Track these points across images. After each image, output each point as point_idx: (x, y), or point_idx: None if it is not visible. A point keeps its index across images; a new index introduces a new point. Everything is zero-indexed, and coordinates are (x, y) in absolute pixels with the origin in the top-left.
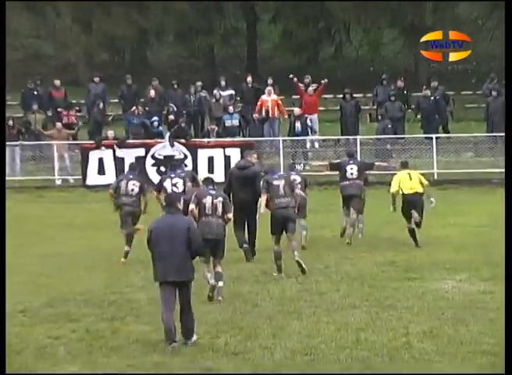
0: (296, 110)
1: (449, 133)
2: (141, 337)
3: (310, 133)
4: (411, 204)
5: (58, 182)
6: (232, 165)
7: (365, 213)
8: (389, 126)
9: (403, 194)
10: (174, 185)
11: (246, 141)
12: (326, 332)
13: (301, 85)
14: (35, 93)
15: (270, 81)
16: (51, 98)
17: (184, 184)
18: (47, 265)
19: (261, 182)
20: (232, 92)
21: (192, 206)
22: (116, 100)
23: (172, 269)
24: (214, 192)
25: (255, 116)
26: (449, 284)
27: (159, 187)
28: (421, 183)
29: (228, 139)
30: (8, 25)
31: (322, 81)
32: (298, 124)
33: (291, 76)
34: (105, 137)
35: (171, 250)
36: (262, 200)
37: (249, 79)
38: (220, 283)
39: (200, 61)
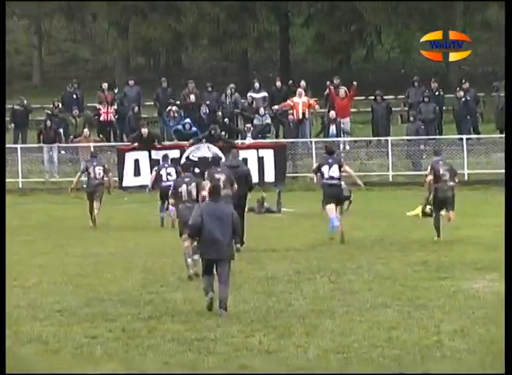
0: (331, 113)
1: (479, 134)
2: (177, 336)
3: (342, 136)
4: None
5: None
6: (266, 165)
7: (397, 213)
8: (422, 126)
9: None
10: (168, 174)
11: (278, 143)
12: (359, 331)
13: (331, 87)
14: (74, 96)
15: (303, 84)
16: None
17: (177, 173)
18: (84, 265)
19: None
20: (266, 94)
21: (171, 200)
22: (152, 103)
23: (215, 248)
24: (188, 179)
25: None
26: (480, 284)
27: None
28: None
29: (261, 141)
30: (45, 29)
31: (352, 85)
32: (333, 127)
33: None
34: (140, 134)
35: (216, 231)
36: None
37: (278, 83)
38: (196, 256)
39: (233, 64)
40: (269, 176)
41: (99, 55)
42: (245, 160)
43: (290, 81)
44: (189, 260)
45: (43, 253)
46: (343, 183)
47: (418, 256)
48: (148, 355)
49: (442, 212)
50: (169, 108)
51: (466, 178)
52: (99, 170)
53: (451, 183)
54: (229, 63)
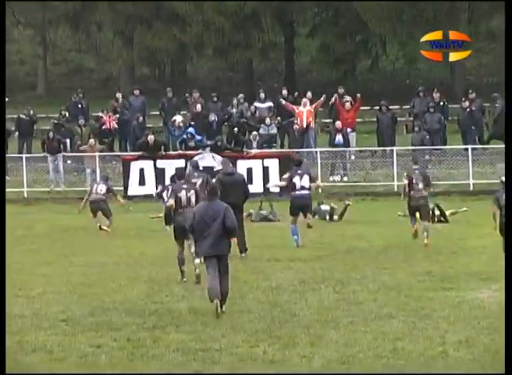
0: (338, 123)
1: (484, 144)
2: (181, 346)
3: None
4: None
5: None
6: (271, 175)
7: (401, 224)
8: (427, 137)
9: None
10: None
11: (284, 152)
12: (363, 341)
13: (335, 97)
14: (79, 106)
15: (309, 95)
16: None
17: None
18: (88, 274)
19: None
20: (271, 104)
21: (171, 201)
22: (157, 112)
23: (211, 245)
24: (186, 186)
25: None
26: (485, 294)
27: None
28: None
29: (266, 150)
30: (50, 39)
31: (357, 97)
32: (340, 136)
33: (324, 96)
34: (146, 142)
35: (211, 229)
36: None
37: (284, 92)
38: (197, 260)
39: (238, 74)
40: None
41: (104, 64)
42: (250, 170)
43: (296, 93)
44: (183, 267)
45: (47, 262)
46: None
47: (423, 266)
48: (153, 364)
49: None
50: (174, 118)
51: (471, 188)
52: (101, 187)
53: (424, 193)
54: (234, 73)
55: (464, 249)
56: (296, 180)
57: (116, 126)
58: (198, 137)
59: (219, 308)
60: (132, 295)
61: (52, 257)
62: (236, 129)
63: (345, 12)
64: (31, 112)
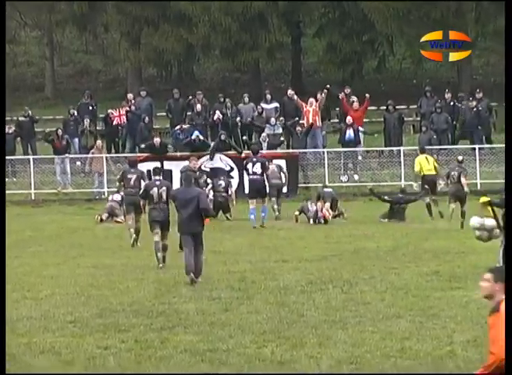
0: (348, 118)
1: (492, 144)
2: (189, 347)
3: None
4: (429, 182)
5: (107, 194)
6: None
7: (409, 224)
8: (434, 136)
9: (423, 174)
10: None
11: (290, 153)
12: (371, 341)
13: (342, 95)
14: (89, 108)
15: (319, 96)
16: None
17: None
18: (97, 276)
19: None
20: (277, 105)
21: (142, 201)
22: (164, 114)
23: (188, 224)
24: (159, 183)
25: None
26: None
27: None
28: (435, 167)
29: (273, 151)
30: (57, 40)
31: (365, 97)
32: (350, 131)
33: (328, 86)
34: (153, 144)
35: (187, 210)
36: None
37: (289, 92)
38: (164, 253)
39: (245, 75)
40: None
41: (111, 66)
42: None
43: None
44: (159, 254)
45: (55, 264)
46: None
47: (431, 266)
48: (161, 366)
49: None
50: (182, 125)
51: (478, 187)
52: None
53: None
54: (241, 74)
55: (471, 249)
56: (249, 166)
57: (126, 120)
58: (203, 140)
59: (194, 279)
60: (139, 296)
61: (60, 259)
62: (221, 132)
63: (352, 12)
64: (29, 112)
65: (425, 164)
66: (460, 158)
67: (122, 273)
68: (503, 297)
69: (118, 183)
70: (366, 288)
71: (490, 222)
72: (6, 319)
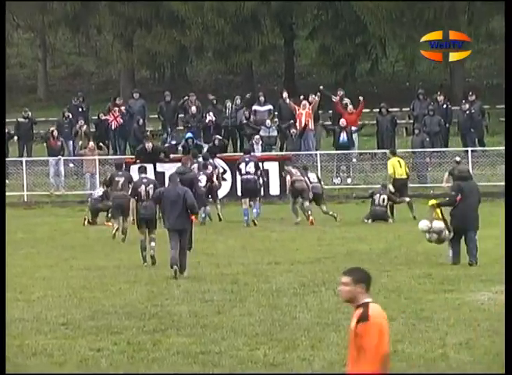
0: (342, 121)
1: (484, 146)
2: (182, 349)
3: (353, 143)
4: (400, 186)
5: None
6: (271, 178)
7: (402, 226)
8: (427, 139)
9: (394, 178)
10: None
11: (284, 155)
12: None
13: (335, 98)
14: (79, 109)
15: (313, 99)
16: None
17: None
18: (89, 278)
19: None
20: (271, 107)
21: (132, 200)
22: (156, 116)
23: (175, 220)
24: (146, 180)
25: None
26: (485, 296)
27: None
28: (406, 171)
29: (266, 153)
30: (50, 42)
31: (359, 101)
32: (344, 134)
33: (321, 87)
34: (144, 148)
35: (174, 208)
36: None
37: (285, 94)
38: (152, 244)
39: (238, 77)
40: (274, 189)
41: (104, 67)
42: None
43: (301, 96)
44: (144, 253)
45: (47, 266)
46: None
47: (423, 269)
48: (153, 367)
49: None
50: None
51: None
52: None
53: None
54: (234, 76)
55: (463, 251)
56: (242, 166)
57: (122, 121)
58: (197, 142)
59: (178, 274)
60: (132, 299)
61: (52, 261)
62: (215, 137)
63: (345, 15)
64: (29, 114)
65: (398, 167)
66: (457, 158)
67: (114, 275)
68: (367, 299)
69: (102, 185)
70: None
71: (438, 224)
72: None
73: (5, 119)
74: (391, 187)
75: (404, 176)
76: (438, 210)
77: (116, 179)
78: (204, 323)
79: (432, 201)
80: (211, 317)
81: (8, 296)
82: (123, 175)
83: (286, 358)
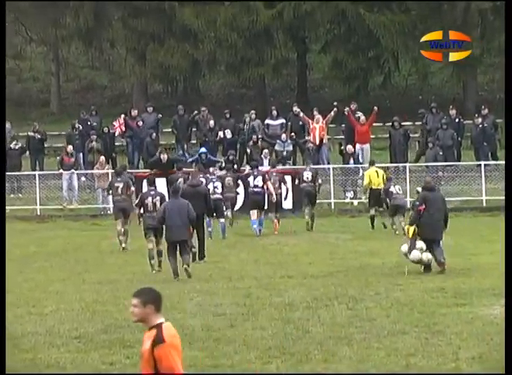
0: (349, 147)
1: (497, 160)
2: (194, 363)
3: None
4: (377, 196)
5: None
6: (284, 193)
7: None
8: (440, 153)
9: (371, 188)
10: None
11: (296, 169)
12: (376, 357)
13: (348, 110)
14: (88, 123)
15: (329, 115)
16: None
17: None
18: (102, 292)
19: None
20: (283, 121)
21: (137, 210)
22: (169, 130)
23: (176, 232)
24: (153, 193)
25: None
26: (498, 310)
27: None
28: (384, 181)
29: (279, 167)
30: (63, 56)
31: (373, 110)
32: (351, 161)
33: (335, 103)
34: (159, 159)
35: (176, 220)
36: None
37: (295, 109)
38: (161, 258)
39: (251, 91)
40: (287, 203)
41: (117, 81)
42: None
43: (315, 110)
44: (152, 261)
45: (60, 280)
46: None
47: (436, 283)
48: None
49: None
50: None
51: (484, 204)
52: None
53: None
54: (247, 90)
55: (476, 265)
56: (250, 179)
57: (124, 128)
58: (211, 158)
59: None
60: None
61: (65, 274)
62: (229, 152)
63: (357, 28)
64: (37, 127)
65: (374, 178)
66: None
67: (127, 289)
68: (160, 320)
69: (106, 193)
70: (371, 304)
71: (414, 255)
72: (11, 335)
73: (5, 130)
74: (364, 198)
75: (381, 187)
76: (411, 229)
77: (116, 184)
78: (217, 336)
79: (411, 229)
80: (223, 331)
81: (21, 310)
82: (122, 180)
83: (299, 372)
